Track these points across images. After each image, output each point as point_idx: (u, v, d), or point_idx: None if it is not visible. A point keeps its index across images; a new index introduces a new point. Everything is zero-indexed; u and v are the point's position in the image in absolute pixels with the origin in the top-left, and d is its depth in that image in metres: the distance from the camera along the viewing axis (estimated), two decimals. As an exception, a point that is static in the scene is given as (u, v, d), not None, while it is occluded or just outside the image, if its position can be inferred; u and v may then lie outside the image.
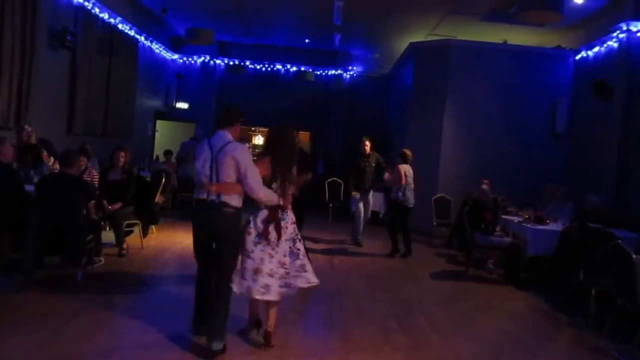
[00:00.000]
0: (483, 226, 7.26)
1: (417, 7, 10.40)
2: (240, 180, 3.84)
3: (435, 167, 10.50)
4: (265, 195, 3.92)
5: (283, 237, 3.99)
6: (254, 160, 3.95)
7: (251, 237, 3.97)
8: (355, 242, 8.87)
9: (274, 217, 3.99)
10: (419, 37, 11.90)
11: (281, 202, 4.03)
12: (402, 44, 12.27)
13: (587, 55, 9.91)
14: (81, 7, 9.14)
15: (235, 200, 3.89)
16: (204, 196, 3.87)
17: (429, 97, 10.76)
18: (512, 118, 10.45)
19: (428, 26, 11.54)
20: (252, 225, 4.01)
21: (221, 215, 3.85)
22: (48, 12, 8.18)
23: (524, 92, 10.43)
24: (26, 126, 7.15)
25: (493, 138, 10.40)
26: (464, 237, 7.56)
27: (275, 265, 3.95)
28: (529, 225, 7.00)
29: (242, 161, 3.81)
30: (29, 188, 5.59)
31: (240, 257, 3.99)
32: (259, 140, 15.42)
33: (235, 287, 3.95)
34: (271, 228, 3.97)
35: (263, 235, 3.95)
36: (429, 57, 10.91)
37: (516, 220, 7.43)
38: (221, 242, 3.94)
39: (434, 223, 9.46)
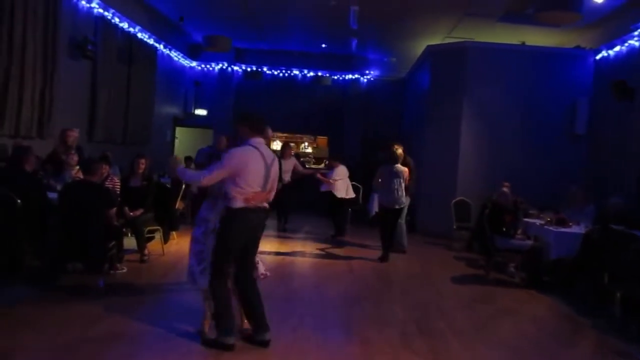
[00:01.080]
0: (504, 229, 7.18)
1: (433, 10, 10.37)
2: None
3: (454, 170, 10.43)
4: None
5: None
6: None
7: None
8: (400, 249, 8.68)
9: None
10: (435, 40, 11.86)
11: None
12: (418, 47, 12.24)
13: (608, 55, 9.75)
14: (101, 17, 9.29)
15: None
16: (257, 204, 4.08)
17: (446, 100, 10.70)
18: (531, 120, 10.33)
19: (445, 29, 11.49)
20: None
21: (265, 219, 4.24)
22: (69, 23, 8.33)
23: (543, 94, 10.30)
24: (75, 129, 7.20)
25: (512, 140, 10.30)
26: (485, 241, 7.49)
27: None
28: (551, 228, 6.91)
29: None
30: (52, 195, 5.69)
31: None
32: (276, 145, 15.50)
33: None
34: None
35: None
36: (446, 60, 10.85)
37: (537, 223, 7.35)
38: (257, 241, 4.30)
39: (454, 226, 9.39)
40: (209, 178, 4.00)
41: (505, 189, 8.35)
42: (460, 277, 7.32)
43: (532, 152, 10.23)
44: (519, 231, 7.39)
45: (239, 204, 4.01)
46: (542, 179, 9.95)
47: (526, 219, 7.67)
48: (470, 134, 10.44)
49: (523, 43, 11.38)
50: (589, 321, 5.50)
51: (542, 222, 7.28)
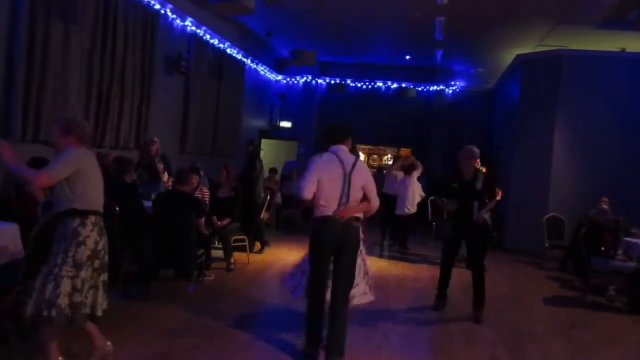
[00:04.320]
0: (602, 249, 6.70)
1: (523, 19, 9.95)
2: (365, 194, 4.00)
3: (546, 184, 9.92)
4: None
5: None
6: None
7: None
8: None
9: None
10: (526, 49, 11.38)
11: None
12: (507, 57, 11.80)
13: None
14: (194, 35, 9.74)
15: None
16: (331, 213, 3.90)
17: (538, 111, 10.23)
18: (633, 131, 9.63)
19: (536, 37, 11.00)
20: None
21: (351, 229, 3.96)
22: (165, 41, 8.79)
23: (645, 104, 9.60)
24: (155, 138, 7.53)
25: (611, 153, 9.65)
26: (580, 261, 7.02)
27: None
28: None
29: (369, 177, 4.03)
30: (147, 204, 5.98)
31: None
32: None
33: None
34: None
35: None
36: (538, 69, 10.39)
37: (641, 243, 6.80)
38: (347, 254, 3.98)
39: (546, 244, 8.89)
40: (304, 189, 3.87)
41: (604, 206, 7.83)
42: (554, 299, 6.89)
43: (633, 166, 9.51)
44: (620, 252, 6.88)
45: (317, 213, 3.96)
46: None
47: (628, 239, 7.13)
48: (564, 146, 9.90)
49: (623, 50, 10.67)
50: None
51: (648, 242, 6.73)
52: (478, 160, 5.79)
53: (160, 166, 7.22)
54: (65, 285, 3.21)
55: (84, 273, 3.28)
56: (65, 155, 3.26)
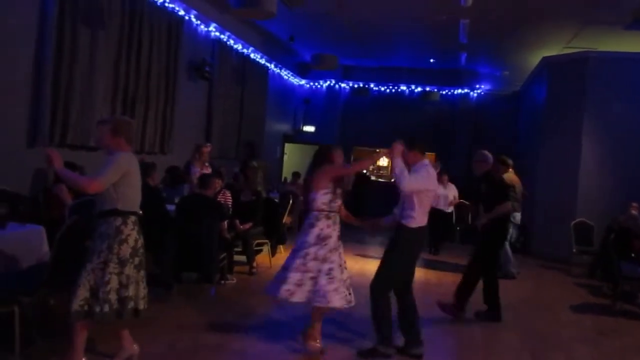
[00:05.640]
0: (633, 255, 6.53)
1: (550, 20, 9.79)
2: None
3: (574, 189, 9.72)
4: None
5: None
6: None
7: None
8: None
9: None
10: (552, 51, 11.18)
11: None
12: (533, 59, 11.62)
13: None
14: (217, 40, 9.84)
15: None
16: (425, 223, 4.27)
17: (565, 114, 10.04)
18: (664, 135, 9.38)
19: (563, 39, 10.80)
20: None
21: None
22: (189, 47, 8.90)
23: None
24: (208, 145, 7.66)
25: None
26: (610, 267, 6.84)
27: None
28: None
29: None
30: (170, 208, 6.05)
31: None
32: (383, 161, 15.41)
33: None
34: None
35: None
36: (565, 71, 10.21)
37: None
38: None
39: (574, 250, 8.70)
40: (409, 184, 4.10)
41: (634, 212, 7.65)
42: (582, 306, 6.73)
43: (665, 171, 9.26)
44: (651, 258, 6.69)
45: (413, 222, 4.18)
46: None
47: (660, 245, 6.91)
48: (592, 150, 9.70)
49: (653, 51, 10.40)
50: None
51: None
52: (489, 163, 5.71)
53: (208, 171, 7.27)
54: (113, 282, 3.37)
55: (127, 269, 3.43)
56: (114, 161, 3.41)
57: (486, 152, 5.78)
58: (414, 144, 4.32)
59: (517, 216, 8.20)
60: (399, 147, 4.13)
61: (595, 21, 9.55)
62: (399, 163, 4.09)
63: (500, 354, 4.67)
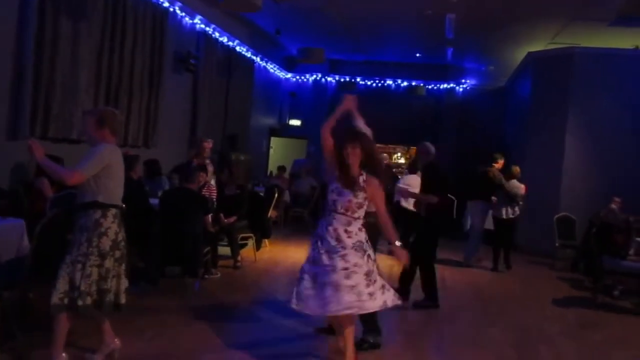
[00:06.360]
0: (613, 250, 6.60)
1: (535, 16, 9.84)
2: None
3: (557, 184, 9.81)
4: None
5: None
6: None
7: None
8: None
9: None
10: (537, 46, 11.25)
11: None
12: (519, 55, 11.68)
13: None
14: (203, 32, 9.74)
15: None
16: None
17: (550, 109, 10.12)
18: (645, 130, 9.50)
19: (548, 34, 10.87)
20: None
21: None
22: (174, 39, 8.79)
23: (659, 102, 9.45)
24: (210, 140, 7.48)
25: (623, 152, 9.52)
26: (592, 261, 6.93)
27: None
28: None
29: None
30: (153, 202, 5.99)
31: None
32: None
33: None
34: None
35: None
36: (550, 67, 10.28)
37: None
38: None
39: (557, 244, 8.79)
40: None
41: (613, 206, 7.74)
42: (564, 300, 6.81)
43: (647, 166, 9.38)
44: (631, 252, 6.77)
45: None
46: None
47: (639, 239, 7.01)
48: (576, 145, 9.79)
49: (637, 47, 10.52)
50: None
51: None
52: (432, 154, 5.96)
53: (210, 168, 7.15)
54: (94, 274, 3.34)
55: (107, 262, 3.40)
56: (96, 153, 3.37)
57: (428, 144, 5.98)
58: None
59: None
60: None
61: (580, 17, 9.61)
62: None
63: (483, 348, 4.70)
